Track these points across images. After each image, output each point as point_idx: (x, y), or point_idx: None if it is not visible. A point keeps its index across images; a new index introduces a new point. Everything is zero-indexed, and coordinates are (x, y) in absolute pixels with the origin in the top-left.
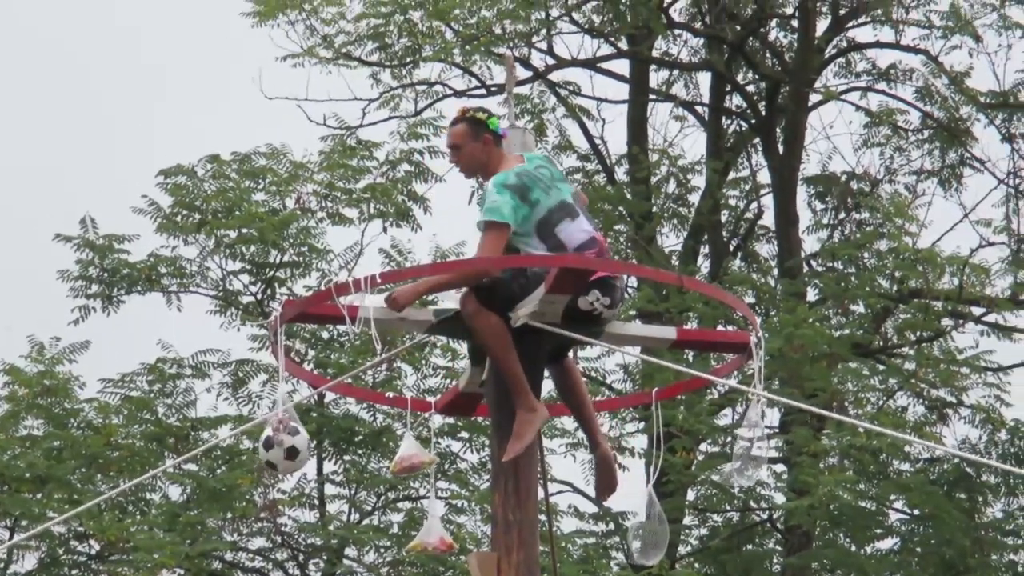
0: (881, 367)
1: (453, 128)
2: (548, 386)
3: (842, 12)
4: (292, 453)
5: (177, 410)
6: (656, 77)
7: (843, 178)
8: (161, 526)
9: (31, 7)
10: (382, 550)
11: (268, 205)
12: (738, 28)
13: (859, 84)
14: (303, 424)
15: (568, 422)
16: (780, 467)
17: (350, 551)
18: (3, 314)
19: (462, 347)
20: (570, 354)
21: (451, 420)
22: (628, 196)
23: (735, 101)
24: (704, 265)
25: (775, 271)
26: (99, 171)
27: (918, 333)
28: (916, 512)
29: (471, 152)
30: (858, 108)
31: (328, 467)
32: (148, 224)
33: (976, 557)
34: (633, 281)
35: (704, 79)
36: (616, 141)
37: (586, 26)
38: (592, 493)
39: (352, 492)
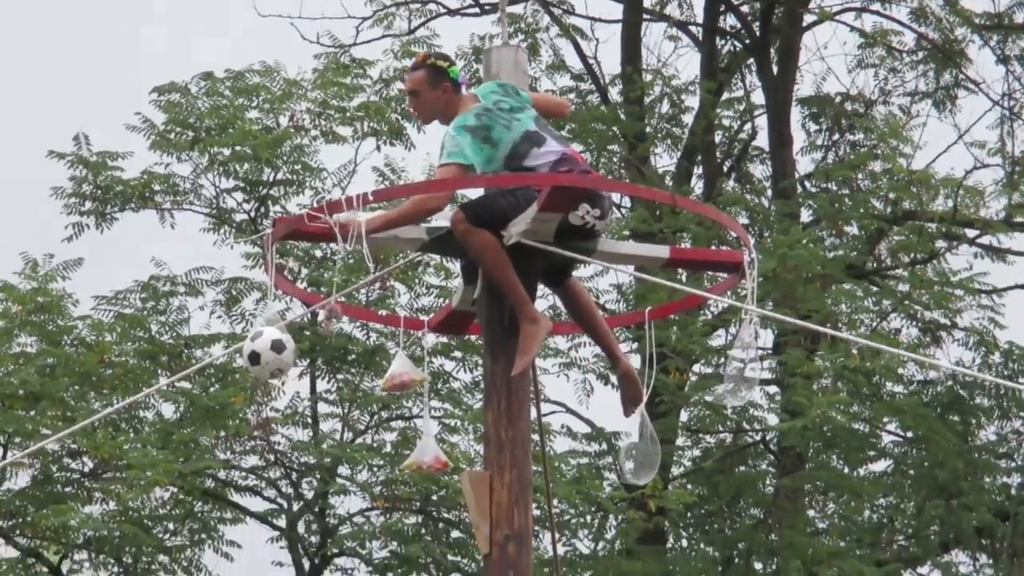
0: (875, 289)
1: (413, 74)
2: (542, 305)
3: None
4: (254, 359)
5: (170, 328)
6: None
7: (837, 99)
8: (154, 444)
9: None
10: (375, 469)
11: (262, 123)
12: None
13: (854, 5)
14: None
15: (560, 341)
16: (773, 388)
17: (343, 470)
18: None
19: (455, 265)
20: (572, 275)
21: (444, 339)
22: (622, 116)
23: (729, 21)
24: (698, 186)
25: (769, 192)
26: (93, 88)
27: (912, 255)
28: (909, 434)
29: (429, 99)
30: (852, 29)
31: (321, 385)
32: (142, 141)
33: (969, 480)
34: (627, 201)
35: None
36: (610, 61)
37: None
38: (620, 409)
39: (345, 411)
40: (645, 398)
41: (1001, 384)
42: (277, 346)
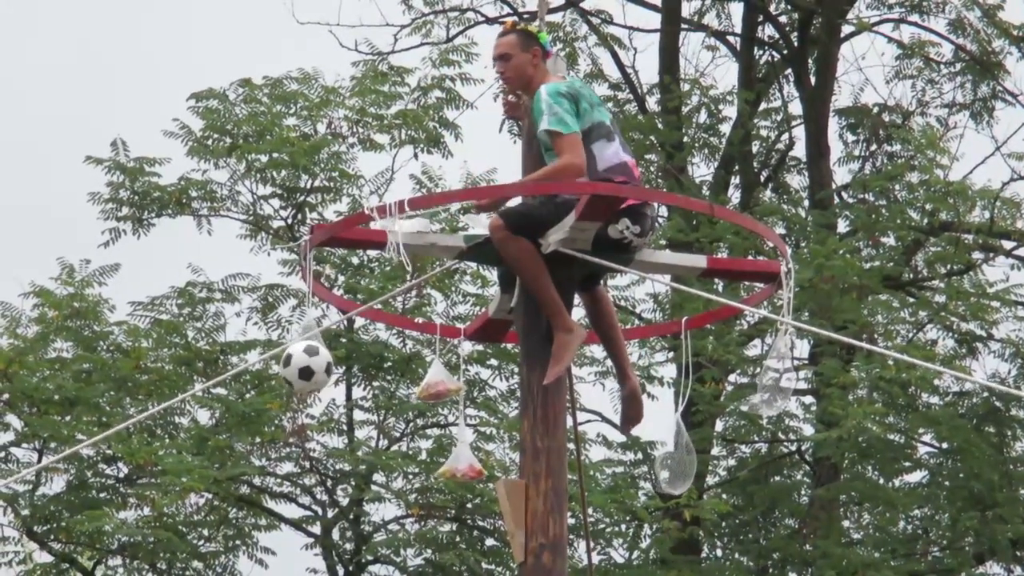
0: (911, 300)
1: (503, 38)
2: (578, 314)
3: None
4: (306, 373)
5: (206, 334)
6: (688, 6)
7: (875, 110)
8: (190, 450)
9: None
10: (410, 476)
11: (299, 130)
12: None
13: (892, 16)
14: (329, 348)
15: (597, 350)
16: (809, 399)
17: (378, 477)
18: (34, 236)
19: (492, 274)
20: (601, 283)
21: (480, 347)
22: (659, 126)
23: (767, 31)
24: (735, 196)
25: (806, 202)
26: (131, 94)
27: (948, 266)
28: (944, 446)
29: (520, 63)
30: (890, 40)
31: (357, 393)
32: (179, 147)
33: (1004, 491)
34: (664, 210)
35: (736, 9)
36: (648, 70)
37: None
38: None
39: (381, 418)
40: (681, 407)
41: None
42: (329, 368)
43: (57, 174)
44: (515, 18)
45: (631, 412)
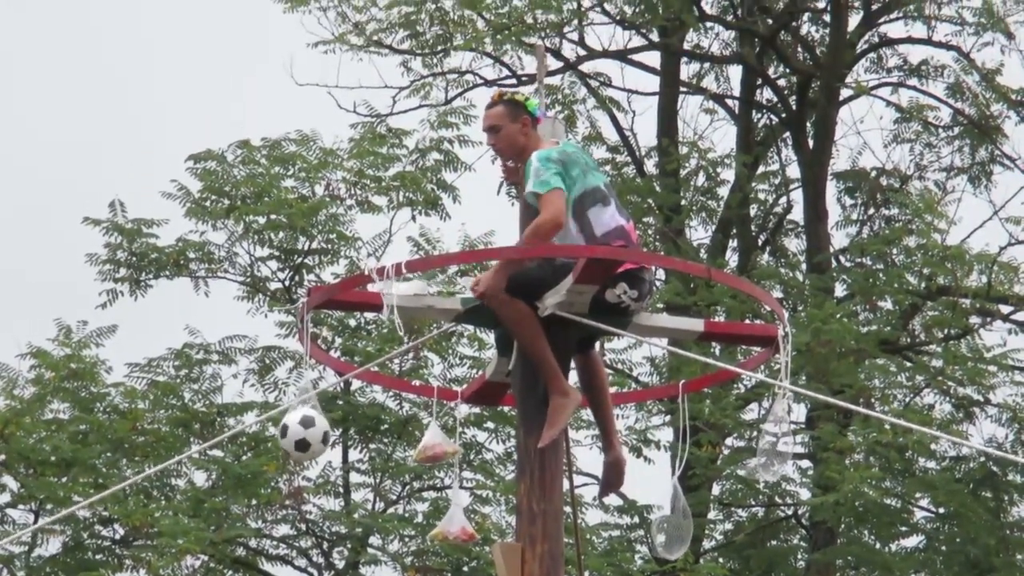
0: (908, 364)
1: (491, 110)
2: (573, 378)
3: (874, 7)
4: (302, 445)
5: (203, 396)
6: (687, 70)
7: (873, 174)
8: (186, 512)
9: None
10: (407, 539)
11: (297, 191)
12: (770, 21)
13: (890, 80)
14: (326, 412)
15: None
16: (806, 463)
17: (375, 539)
18: (30, 297)
19: (489, 336)
20: (596, 346)
21: (477, 409)
22: (657, 188)
23: (766, 95)
24: (732, 259)
25: (803, 266)
26: (129, 155)
27: (946, 330)
28: (941, 510)
29: (510, 133)
30: (889, 104)
31: (353, 455)
32: (177, 209)
33: (1001, 556)
34: (661, 273)
35: (735, 72)
36: (646, 133)
37: (618, 17)
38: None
39: (377, 481)
40: (679, 471)
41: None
42: (326, 438)
43: (55, 235)
44: (501, 89)
45: (612, 479)
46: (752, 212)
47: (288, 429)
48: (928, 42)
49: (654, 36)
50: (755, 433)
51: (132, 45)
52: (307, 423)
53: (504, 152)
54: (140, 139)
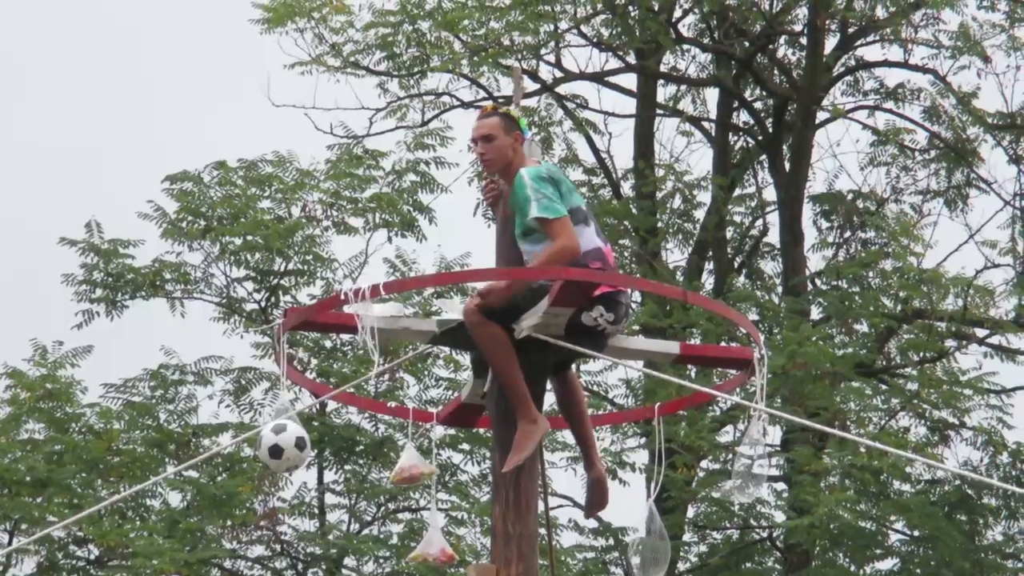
0: (884, 387)
1: (487, 119)
2: (550, 399)
3: (851, 30)
4: (276, 451)
5: (179, 416)
6: (664, 92)
7: (849, 197)
8: (161, 532)
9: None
10: (381, 560)
11: (274, 213)
12: (747, 44)
13: (867, 103)
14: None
15: (569, 436)
16: (781, 485)
17: (349, 561)
18: (6, 317)
19: (465, 358)
20: (573, 368)
21: (453, 431)
22: (633, 211)
23: (742, 117)
24: (708, 281)
25: (779, 289)
26: (105, 176)
27: (921, 353)
28: (916, 533)
29: (502, 145)
30: (865, 127)
31: (329, 476)
32: (153, 229)
33: None
34: (637, 296)
35: (712, 95)
36: (622, 155)
37: (594, 39)
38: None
39: (352, 502)
40: (654, 493)
41: (1004, 487)
42: (300, 443)
43: (31, 255)
44: (498, 101)
45: (596, 498)
46: (728, 235)
47: (262, 439)
48: (905, 65)
49: (631, 58)
50: (730, 455)
51: (109, 66)
52: (279, 429)
53: (492, 163)
54: (116, 160)
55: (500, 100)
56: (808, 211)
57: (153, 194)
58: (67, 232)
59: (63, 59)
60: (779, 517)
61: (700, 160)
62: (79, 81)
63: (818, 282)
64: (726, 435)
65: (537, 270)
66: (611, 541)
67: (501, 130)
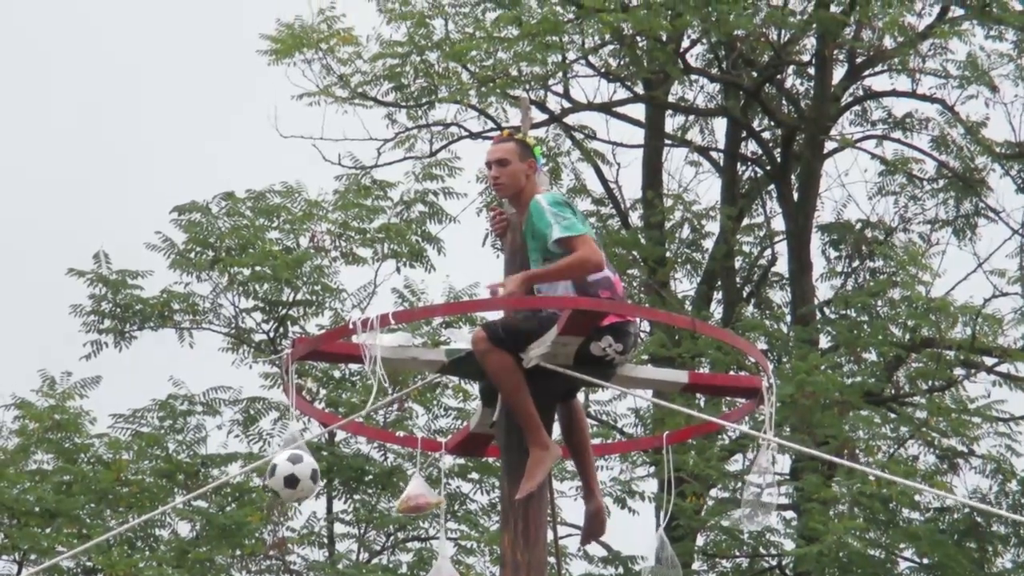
0: (892, 415)
1: (502, 144)
2: (555, 428)
3: (859, 60)
4: (291, 481)
5: (188, 447)
6: (672, 122)
7: (857, 226)
8: (170, 562)
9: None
10: None
11: (282, 243)
12: (754, 74)
13: (875, 132)
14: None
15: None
16: (790, 513)
17: None
18: (16, 348)
19: (473, 388)
20: (579, 396)
21: (461, 461)
22: (642, 241)
23: (750, 147)
24: (717, 311)
25: (788, 318)
26: (113, 207)
27: (930, 382)
28: (925, 561)
29: (516, 170)
30: (873, 156)
31: (338, 506)
32: (162, 260)
33: None
34: (646, 325)
35: (720, 125)
36: (631, 186)
37: (602, 70)
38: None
39: (361, 531)
40: (664, 522)
41: (1013, 517)
42: (314, 475)
43: (39, 286)
44: (504, 131)
45: (593, 528)
46: (737, 264)
47: (277, 467)
48: (913, 95)
49: (639, 89)
50: (739, 484)
51: (117, 97)
52: (295, 460)
53: (505, 188)
54: (125, 191)
55: (508, 130)
56: (816, 240)
57: (161, 225)
58: (75, 263)
59: (69, 90)
60: (788, 545)
61: (708, 190)
62: (87, 112)
63: (827, 311)
64: (735, 464)
65: (547, 299)
66: (620, 570)
67: (516, 156)
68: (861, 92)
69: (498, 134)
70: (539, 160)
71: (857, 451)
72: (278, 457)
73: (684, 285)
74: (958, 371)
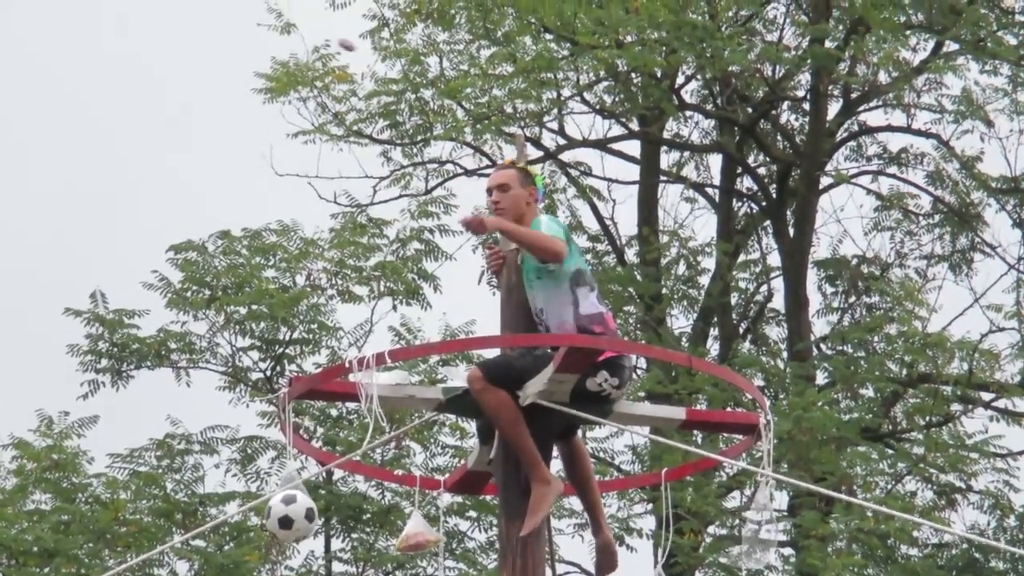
0: (890, 451)
1: (505, 171)
2: (556, 465)
3: (853, 96)
4: (286, 522)
5: (185, 486)
6: (667, 158)
7: (853, 262)
8: None
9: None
10: None
11: (278, 282)
12: (749, 110)
13: (870, 168)
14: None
15: (576, 502)
16: (788, 550)
17: None
18: (12, 388)
19: (471, 426)
20: (579, 433)
21: (459, 498)
22: (638, 277)
23: (746, 183)
24: (714, 347)
25: (784, 354)
26: (109, 246)
27: (927, 417)
28: None
29: (517, 196)
30: (869, 192)
31: (336, 544)
32: (158, 299)
33: None
34: (642, 362)
35: (715, 161)
36: (626, 222)
37: (597, 106)
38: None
39: (360, 570)
40: (662, 559)
41: (1012, 550)
42: (309, 515)
43: (35, 326)
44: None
45: (605, 562)
46: (733, 300)
47: (271, 509)
48: (908, 130)
49: (634, 125)
50: (738, 521)
51: (110, 133)
52: (288, 500)
53: (505, 212)
54: (120, 230)
55: (510, 159)
56: (812, 276)
57: (157, 264)
58: (71, 303)
59: (62, 130)
60: None
61: (704, 226)
62: (78, 152)
63: (823, 347)
64: (733, 500)
65: (541, 336)
66: None
67: (518, 182)
68: (856, 127)
69: (500, 162)
70: (540, 190)
71: (855, 487)
72: (273, 499)
73: (680, 321)
74: (955, 407)
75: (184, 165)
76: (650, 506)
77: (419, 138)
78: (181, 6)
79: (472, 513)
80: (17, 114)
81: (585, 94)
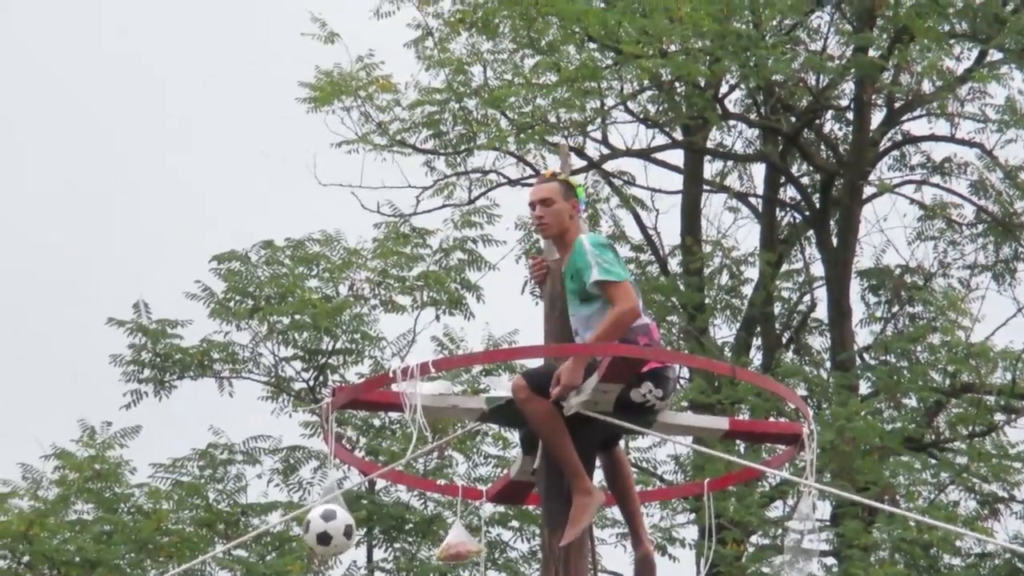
0: (933, 461)
1: (546, 184)
2: (598, 475)
3: (897, 105)
4: (324, 538)
5: (228, 496)
6: (710, 168)
7: (897, 271)
8: None
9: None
10: None
11: (321, 292)
12: (793, 120)
13: (914, 177)
14: (351, 512)
15: (618, 512)
16: (830, 560)
17: None
18: (54, 397)
19: (513, 436)
20: (621, 444)
21: (502, 508)
22: (681, 287)
23: (789, 193)
24: (756, 357)
25: (827, 364)
26: (153, 256)
27: (970, 427)
28: None
29: (560, 210)
30: (912, 201)
31: (378, 554)
32: (201, 309)
33: None
34: (685, 372)
35: (758, 170)
36: (669, 232)
37: (641, 116)
38: None
39: None
40: (705, 569)
41: None
42: (348, 531)
43: (79, 337)
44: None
45: (643, 574)
46: (776, 310)
47: (310, 524)
48: (951, 139)
49: (677, 134)
50: (780, 531)
51: (110, 133)
52: (328, 516)
53: (549, 227)
54: (164, 240)
55: (552, 171)
56: (856, 286)
57: (201, 274)
58: (71, 302)
59: (65, 128)
60: None
61: (747, 236)
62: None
63: (866, 357)
64: (776, 510)
65: (588, 346)
66: None
67: (560, 195)
68: (900, 137)
69: (541, 175)
70: (582, 201)
71: (898, 497)
72: (313, 512)
73: (723, 331)
74: (998, 416)
75: (184, 165)
76: (693, 516)
77: (462, 148)
78: (181, 6)
79: (514, 523)
80: (17, 114)
81: (629, 103)
